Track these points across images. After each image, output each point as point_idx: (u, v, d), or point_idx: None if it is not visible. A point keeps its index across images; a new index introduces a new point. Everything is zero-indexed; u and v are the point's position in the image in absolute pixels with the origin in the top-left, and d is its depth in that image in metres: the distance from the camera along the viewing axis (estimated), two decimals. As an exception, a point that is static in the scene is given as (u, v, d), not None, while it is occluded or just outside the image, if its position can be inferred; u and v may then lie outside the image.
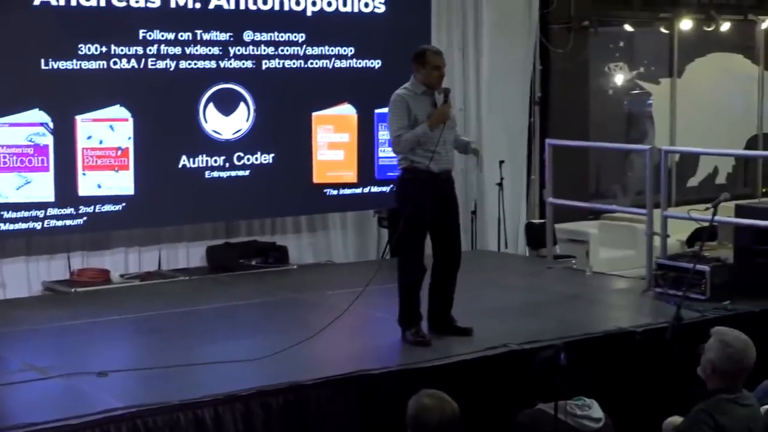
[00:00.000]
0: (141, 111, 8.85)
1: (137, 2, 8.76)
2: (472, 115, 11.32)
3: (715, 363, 4.64)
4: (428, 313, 6.94)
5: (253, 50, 9.35)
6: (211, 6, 9.14)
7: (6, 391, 5.70)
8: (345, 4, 9.82)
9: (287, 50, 9.53)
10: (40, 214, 8.48)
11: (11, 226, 8.40)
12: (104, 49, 8.62)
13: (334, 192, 9.92)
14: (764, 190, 14.37)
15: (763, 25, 14.29)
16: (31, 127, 8.40)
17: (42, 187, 8.47)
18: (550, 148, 9.69)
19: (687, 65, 14.17)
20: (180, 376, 5.95)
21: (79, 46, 8.51)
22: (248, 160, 9.44)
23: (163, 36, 8.89)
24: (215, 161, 9.27)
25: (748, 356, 4.66)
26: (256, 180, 9.47)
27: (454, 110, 7.14)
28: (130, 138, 8.83)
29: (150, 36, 8.83)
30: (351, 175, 9.97)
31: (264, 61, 9.42)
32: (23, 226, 8.43)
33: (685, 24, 13.38)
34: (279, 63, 9.50)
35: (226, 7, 9.20)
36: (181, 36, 8.98)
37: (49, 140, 8.47)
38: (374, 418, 5.89)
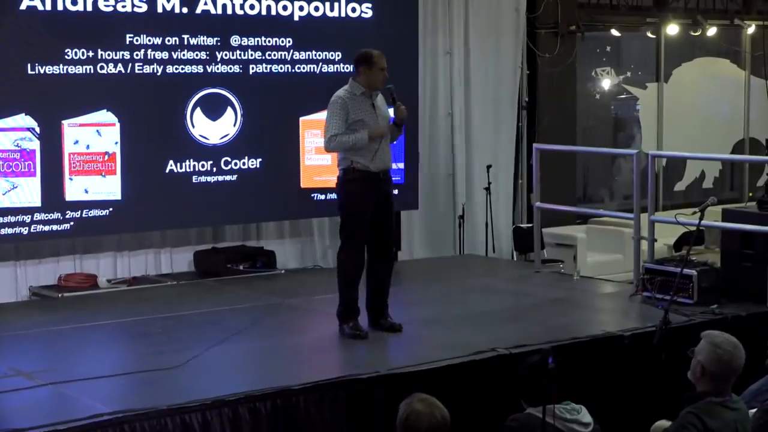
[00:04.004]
0: (128, 116, 8.83)
1: (124, 7, 8.74)
2: (458, 120, 11.31)
3: (705, 365, 4.65)
4: (366, 307, 7.16)
5: (240, 55, 9.34)
6: (199, 11, 9.12)
7: (-8, 397, 5.68)
8: (332, 9, 9.82)
9: (274, 55, 9.52)
10: (27, 219, 8.44)
11: (-2, 231, 8.39)
12: (91, 53, 8.59)
13: (322, 197, 9.89)
14: (751, 194, 14.39)
15: (749, 30, 14.33)
16: (17, 132, 8.36)
17: (29, 192, 8.43)
18: (537, 152, 9.68)
19: (674, 70, 14.21)
20: (167, 381, 5.93)
21: (66, 50, 8.48)
22: (235, 165, 9.42)
23: (150, 41, 8.87)
24: (202, 166, 9.26)
25: (737, 358, 4.67)
26: (244, 185, 9.45)
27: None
28: (117, 143, 8.81)
29: (137, 40, 8.81)
30: (338, 180, 9.95)
31: (251, 66, 9.41)
32: (10, 231, 8.39)
33: (672, 29, 13.40)
34: (266, 68, 9.48)
35: (213, 12, 9.18)
36: (169, 41, 8.96)
37: (35, 145, 8.44)
38: (363, 423, 5.88)
